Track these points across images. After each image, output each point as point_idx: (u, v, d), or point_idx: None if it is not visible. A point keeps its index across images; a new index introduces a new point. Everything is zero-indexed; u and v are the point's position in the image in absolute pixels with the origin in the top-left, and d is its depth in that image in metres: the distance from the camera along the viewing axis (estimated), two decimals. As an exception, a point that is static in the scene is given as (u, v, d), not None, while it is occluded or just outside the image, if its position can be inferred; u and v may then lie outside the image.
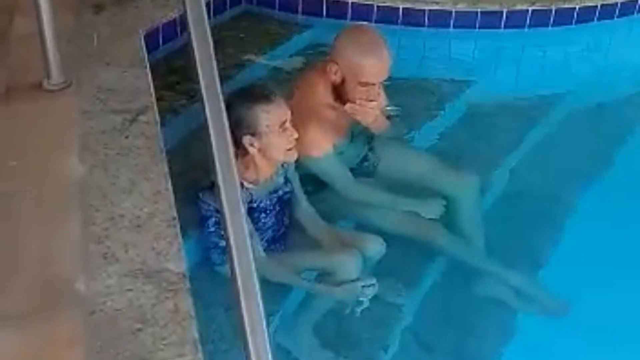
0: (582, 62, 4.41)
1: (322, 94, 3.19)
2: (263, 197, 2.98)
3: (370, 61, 3.08)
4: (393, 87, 3.51)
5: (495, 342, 3.23)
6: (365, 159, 3.41)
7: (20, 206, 1.89)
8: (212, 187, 1.59)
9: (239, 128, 2.79)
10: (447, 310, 3.34)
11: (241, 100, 2.86)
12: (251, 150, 2.88)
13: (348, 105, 3.14)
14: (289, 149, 2.92)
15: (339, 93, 3.17)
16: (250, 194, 2.92)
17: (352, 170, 3.30)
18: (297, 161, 3.05)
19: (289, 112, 2.89)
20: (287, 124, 2.89)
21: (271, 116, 2.86)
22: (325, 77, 3.18)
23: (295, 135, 2.90)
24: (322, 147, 3.14)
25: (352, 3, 4.26)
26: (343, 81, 3.13)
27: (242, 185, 1.61)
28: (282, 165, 3.04)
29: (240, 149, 2.82)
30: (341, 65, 3.10)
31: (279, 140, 2.89)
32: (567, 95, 4.37)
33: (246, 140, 2.85)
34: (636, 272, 3.39)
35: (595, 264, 3.41)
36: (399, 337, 3.20)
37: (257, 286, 1.48)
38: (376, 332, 3.17)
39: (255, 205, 2.95)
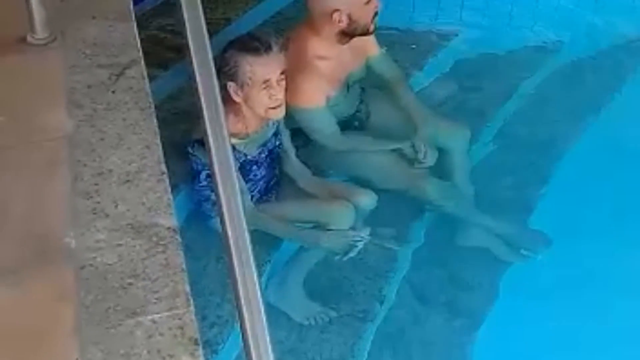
0: (573, 10, 4.38)
1: (316, 47, 3.18)
2: (253, 151, 2.96)
3: None
4: (383, 38, 3.50)
5: (488, 289, 3.26)
6: (357, 111, 3.41)
7: (8, 162, 1.88)
8: (202, 140, 1.58)
9: (223, 73, 2.74)
10: (439, 261, 3.37)
11: (232, 46, 2.82)
12: (236, 98, 2.84)
13: None
14: (273, 108, 2.85)
15: (352, 32, 3.17)
16: (244, 154, 2.89)
17: (345, 121, 3.31)
18: (289, 112, 3.04)
19: (279, 71, 2.82)
20: (273, 83, 2.80)
21: (255, 70, 2.79)
22: (317, 31, 3.17)
23: (280, 96, 2.84)
24: (314, 99, 3.13)
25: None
26: (350, 19, 3.12)
27: (233, 148, 1.61)
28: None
29: (228, 97, 2.78)
30: (343, 7, 3.10)
31: (259, 96, 2.82)
32: (558, 44, 4.36)
33: (230, 87, 2.81)
34: (624, 220, 3.42)
35: (583, 213, 3.44)
36: (391, 288, 3.22)
37: (248, 239, 1.48)
38: (368, 283, 3.19)
39: (246, 159, 2.94)
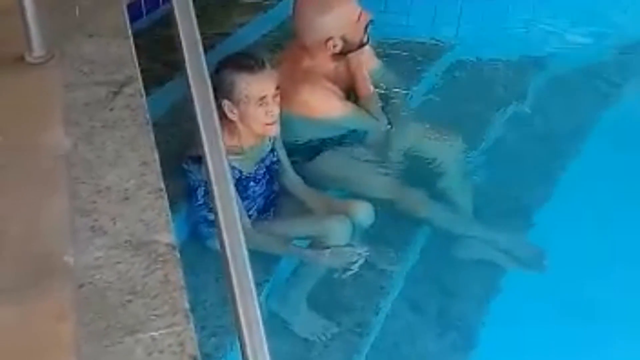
0: (568, 23, 4.40)
1: (311, 66, 3.20)
2: (250, 167, 2.96)
3: (344, 6, 3.16)
4: (379, 50, 3.52)
5: (482, 303, 3.26)
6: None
7: (6, 181, 1.87)
8: (198, 156, 1.59)
9: (219, 92, 2.76)
10: (437, 274, 3.37)
11: (226, 65, 2.84)
12: (231, 116, 2.85)
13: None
14: (268, 124, 2.88)
15: (347, 51, 3.22)
16: (240, 170, 2.90)
17: (343, 136, 3.31)
18: (319, 123, 3.13)
19: (273, 88, 2.85)
20: (269, 99, 2.83)
21: (251, 87, 2.81)
22: (311, 54, 3.21)
23: (276, 112, 2.86)
24: (335, 105, 3.21)
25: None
26: (345, 40, 3.16)
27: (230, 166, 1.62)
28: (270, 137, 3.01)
29: (223, 115, 2.80)
30: (336, 33, 3.13)
31: (256, 113, 2.84)
32: (553, 56, 4.37)
33: (225, 105, 2.83)
34: (625, 232, 3.42)
35: (584, 225, 3.43)
36: (389, 302, 3.22)
37: (247, 258, 1.47)
38: (367, 297, 3.19)
39: (242, 176, 2.94)
